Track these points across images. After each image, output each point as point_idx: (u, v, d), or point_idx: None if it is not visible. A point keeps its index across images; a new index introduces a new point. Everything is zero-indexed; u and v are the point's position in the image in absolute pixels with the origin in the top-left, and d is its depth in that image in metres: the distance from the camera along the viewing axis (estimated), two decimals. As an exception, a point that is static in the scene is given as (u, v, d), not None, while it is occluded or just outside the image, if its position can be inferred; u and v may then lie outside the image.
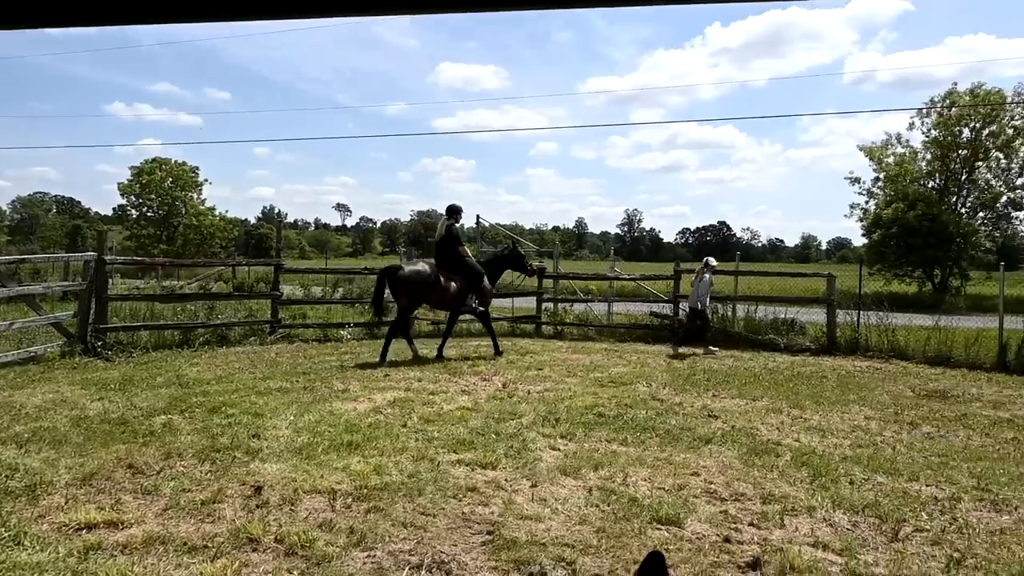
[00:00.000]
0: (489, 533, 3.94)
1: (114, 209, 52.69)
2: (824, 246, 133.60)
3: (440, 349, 10.96)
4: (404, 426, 6.34)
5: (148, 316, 12.33)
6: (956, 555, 3.79)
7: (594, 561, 3.60)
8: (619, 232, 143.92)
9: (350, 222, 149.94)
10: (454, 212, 11.09)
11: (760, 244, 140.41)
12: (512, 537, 3.85)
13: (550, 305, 15.91)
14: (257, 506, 4.26)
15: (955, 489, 4.93)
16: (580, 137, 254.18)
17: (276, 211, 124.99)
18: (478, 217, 20.67)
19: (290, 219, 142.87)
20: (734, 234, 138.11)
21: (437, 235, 11.35)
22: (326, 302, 16.57)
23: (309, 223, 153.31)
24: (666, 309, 14.45)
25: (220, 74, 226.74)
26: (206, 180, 49.95)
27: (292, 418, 6.45)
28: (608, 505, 4.41)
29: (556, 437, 6.09)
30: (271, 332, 12.50)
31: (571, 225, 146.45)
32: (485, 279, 11.08)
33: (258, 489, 4.51)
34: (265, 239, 79.70)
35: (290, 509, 4.23)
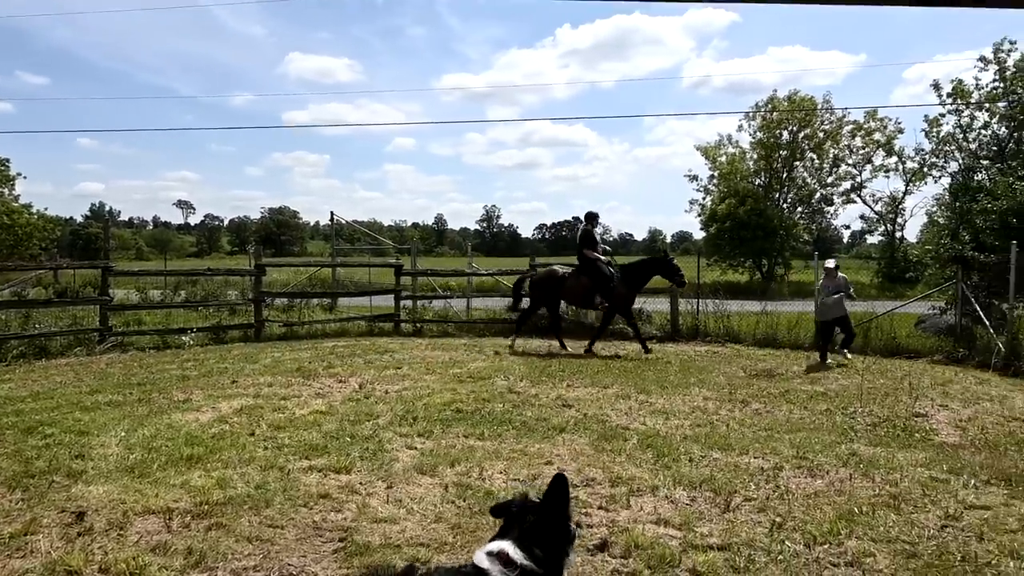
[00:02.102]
0: (341, 540, 3.82)
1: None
2: (669, 239, 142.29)
3: (589, 344, 11.66)
4: (252, 435, 6.00)
5: (-54, 329, 10.83)
6: (778, 519, 4.16)
7: (449, 558, 3.60)
8: (478, 228, 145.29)
9: (194, 220, 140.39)
10: (589, 218, 12.27)
11: (612, 238, 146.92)
12: (365, 542, 3.76)
13: (409, 303, 15.77)
14: (79, 534, 3.86)
15: (778, 459, 5.42)
16: (437, 133, 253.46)
17: (108, 208, 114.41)
18: (332, 214, 20.07)
19: (124, 217, 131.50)
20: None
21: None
22: (165, 306, 15.40)
23: (147, 221, 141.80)
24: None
25: (35, 57, 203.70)
26: (19, 174, 44.60)
27: (123, 434, 5.92)
28: (464, 501, 4.43)
29: (413, 436, 6.03)
30: (100, 341, 11.41)
31: (431, 222, 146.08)
32: (616, 280, 11.58)
33: (80, 515, 4.08)
34: (94, 239, 72.50)
35: (118, 534, 3.87)
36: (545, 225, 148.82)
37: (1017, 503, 4.52)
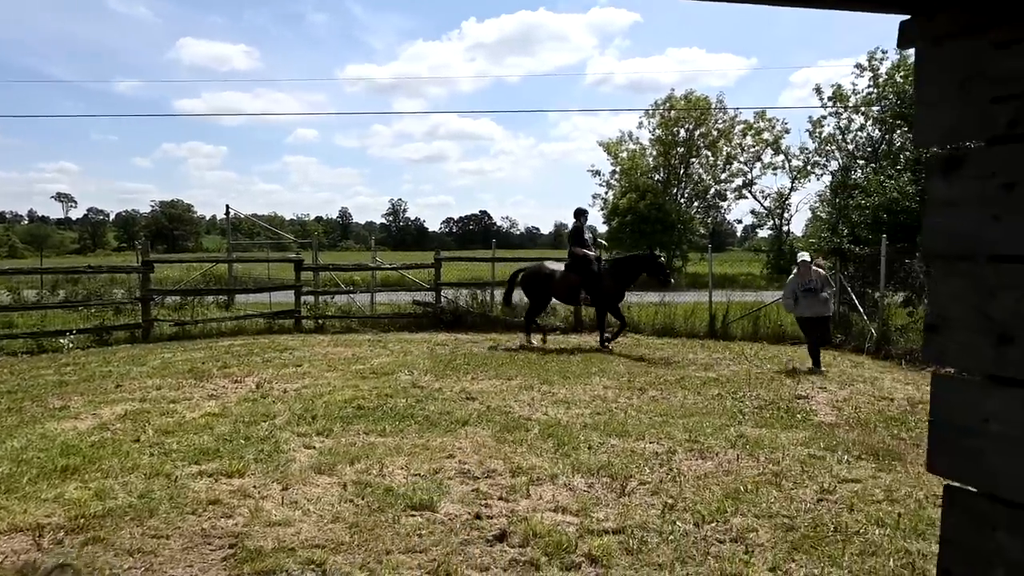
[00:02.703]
0: (231, 547, 3.67)
1: None
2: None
3: (600, 340, 11.47)
4: (136, 441, 5.67)
5: None
6: (670, 501, 4.34)
7: (346, 558, 3.53)
8: (385, 222, 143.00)
9: (75, 214, 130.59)
10: (578, 214, 12.04)
11: (519, 232, 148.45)
12: (257, 547, 3.63)
13: (310, 298, 15.32)
14: (-68, 557, 3.52)
15: (672, 443, 5.65)
16: (342, 125, 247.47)
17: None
18: (227, 208, 19.20)
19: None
20: (495, 223, 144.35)
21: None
22: (41, 307, 14.26)
23: (22, 216, 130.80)
24: (429, 297, 14.69)
25: None
26: None
27: (-12, 446, 5.45)
28: (363, 499, 4.35)
29: (312, 435, 5.87)
30: (-37, 346, 10.44)
31: (335, 215, 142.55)
32: (604, 276, 11.35)
33: (-66, 537, 3.73)
34: (-42, 235, 66.31)
35: (-21, 555, 3.56)
36: (452, 219, 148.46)
37: (883, 475, 4.90)
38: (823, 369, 9.32)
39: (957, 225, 1.14)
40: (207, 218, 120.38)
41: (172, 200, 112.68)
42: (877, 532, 3.88)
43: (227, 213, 19.72)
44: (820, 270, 9.79)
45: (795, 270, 9.87)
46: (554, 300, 12.38)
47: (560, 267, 11.91)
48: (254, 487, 4.60)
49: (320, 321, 14.07)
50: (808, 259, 9.85)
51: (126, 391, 7.68)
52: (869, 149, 31.81)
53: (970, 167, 1.12)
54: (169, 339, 12.30)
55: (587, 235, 12.05)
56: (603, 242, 12.13)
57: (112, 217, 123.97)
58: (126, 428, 6.10)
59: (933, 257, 1.20)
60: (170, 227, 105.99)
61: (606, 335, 11.47)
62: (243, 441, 5.65)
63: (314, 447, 5.54)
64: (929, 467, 1.22)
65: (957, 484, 1.18)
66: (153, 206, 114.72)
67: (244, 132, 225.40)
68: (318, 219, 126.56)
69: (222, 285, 18.53)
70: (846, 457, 5.31)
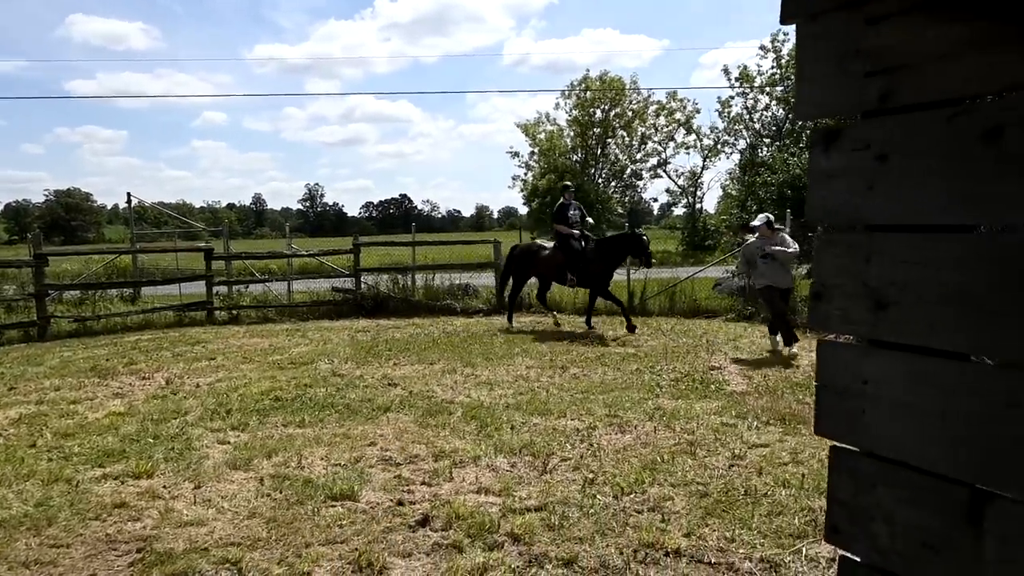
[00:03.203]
0: (139, 551, 3.50)
1: None
2: (496, 215, 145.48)
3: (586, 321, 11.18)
4: (32, 447, 5.32)
5: None
6: (590, 475, 4.43)
7: (263, 554, 3.43)
8: (302, 208, 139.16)
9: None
10: (562, 190, 11.66)
11: (440, 215, 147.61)
12: (167, 549, 3.48)
13: (223, 289, 14.76)
14: None
15: (592, 419, 5.76)
16: (252, 107, 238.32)
17: None
18: (129, 196, 18.17)
19: None
20: (416, 206, 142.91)
21: None
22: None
23: None
24: (348, 283, 14.40)
25: None
26: None
27: None
28: (281, 492, 4.24)
29: (227, 430, 5.66)
30: None
31: (248, 202, 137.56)
32: (590, 256, 10.75)
33: None
34: None
35: None
36: (372, 203, 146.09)
37: (789, 439, 5.16)
38: (784, 348, 8.33)
39: (836, 197, 1.18)
40: (108, 207, 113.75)
41: (68, 189, 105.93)
42: (783, 493, 4.08)
43: (129, 202, 18.64)
44: (784, 234, 8.66)
45: (748, 237, 8.80)
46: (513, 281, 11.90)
47: (550, 246, 11.52)
48: (164, 487, 4.40)
49: (234, 312, 13.57)
50: (771, 219, 8.73)
51: (20, 393, 7.20)
52: (774, 128, 33.21)
53: (847, 140, 1.16)
54: (69, 336, 11.58)
55: (572, 212, 11.26)
56: (591, 220, 11.57)
57: (0, 208, 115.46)
58: (20, 433, 5.71)
59: (816, 228, 1.25)
60: (67, 218, 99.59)
61: (632, 324, 10.62)
62: (151, 440, 5.39)
63: (229, 442, 5.35)
64: (816, 429, 1.28)
65: (841, 445, 1.23)
66: (47, 195, 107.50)
67: (146, 115, 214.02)
68: (230, 206, 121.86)
69: (127, 277, 17.57)
70: (755, 423, 5.56)
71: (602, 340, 10.06)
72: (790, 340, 8.50)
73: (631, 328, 10.54)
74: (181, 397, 6.88)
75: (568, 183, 12.03)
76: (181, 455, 5.01)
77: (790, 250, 8.46)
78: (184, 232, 28.58)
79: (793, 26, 1.25)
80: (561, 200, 11.49)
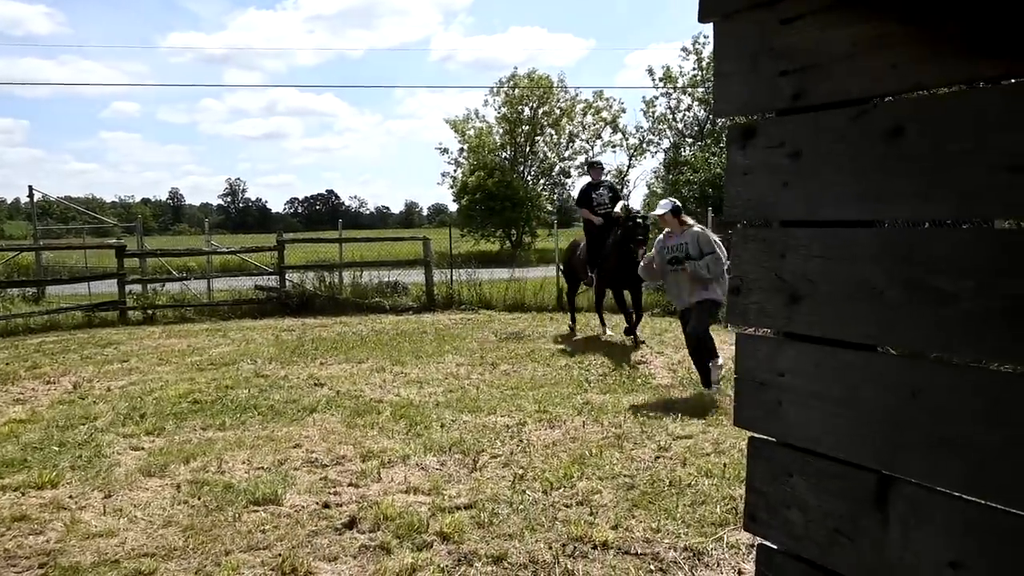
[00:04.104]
0: (42, 566, 3.29)
1: None
2: (425, 212, 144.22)
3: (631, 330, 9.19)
4: (-80, 459, 4.92)
5: None
6: (520, 471, 4.44)
7: (179, 564, 3.28)
8: (222, 203, 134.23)
9: None
10: (589, 167, 10.30)
11: (369, 212, 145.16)
12: (73, 563, 3.28)
13: (138, 287, 14.06)
14: None
15: (522, 415, 5.78)
16: (167, 98, 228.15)
17: None
18: (31, 189, 17.08)
19: None
20: (343, 203, 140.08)
21: None
22: None
23: None
24: (272, 281, 13.98)
25: None
26: None
27: None
28: (199, 499, 4.07)
29: (140, 435, 5.39)
30: None
31: (164, 197, 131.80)
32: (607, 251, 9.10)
33: None
34: None
35: None
36: (297, 199, 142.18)
37: (712, 430, 5.31)
38: (714, 387, 6.36)
39: (753, 193, 1.21)
40: (9, 202, 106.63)
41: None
42: (706, 483, 4.20)
43: (31, 196, 17.53)
44: (698, 228, 6.60)
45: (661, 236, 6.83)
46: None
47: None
48: (70, 497, 4.15)
49: (150, 312, 12.95)
50: (678, 205, 6.79)
51: (-93, 402, 6.65)
52: (696, 128, 34.19)
53: (762, 137, 1.19)
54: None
55: (598, 193, 9.45)
56: (625, 203, 9.74)
57: None
58: (-93, 445, 5.28)
59: (734, 224, 1.28)
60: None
61: (637, 334, 9.08)
62: (56, 448, 5.08)
63: (142, 448, 5.09)
64: (736, 421, 1.31)
65: (759, 435, 1.27)
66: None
67: (50, 104, 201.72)
68: (145, 201, 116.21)
69: (29, 276, 16.52)
70: (680, 416, 5.70)
71: (531, 337, 10.11)
72: (708, 384, 6.52)
73: (633, 334, 9.15)
74: (90, 402, 6.52)
75: (596, 160, 10.48)
76: (89, 463, 4.74)
77: (724, 260, 6.26)
78: (94, 228, 27.09)
79: (711, 25, 1.27)
80: (588, 180, 9.76)
